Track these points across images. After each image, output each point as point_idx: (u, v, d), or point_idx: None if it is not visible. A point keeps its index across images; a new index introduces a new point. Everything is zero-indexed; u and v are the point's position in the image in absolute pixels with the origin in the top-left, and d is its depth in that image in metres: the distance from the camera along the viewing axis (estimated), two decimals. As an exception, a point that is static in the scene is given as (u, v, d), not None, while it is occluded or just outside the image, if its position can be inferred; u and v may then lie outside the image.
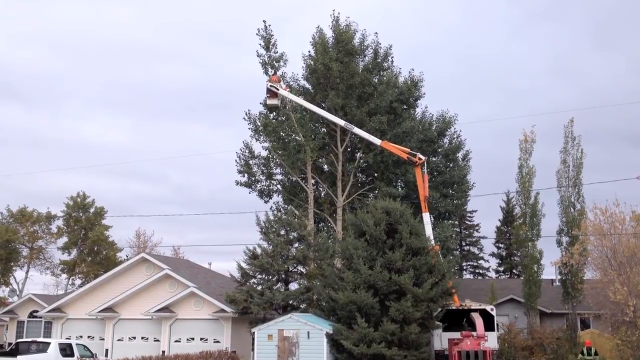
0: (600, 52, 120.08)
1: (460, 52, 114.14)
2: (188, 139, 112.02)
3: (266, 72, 38.66)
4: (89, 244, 57.79)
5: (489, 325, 28.59)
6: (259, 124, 40.13)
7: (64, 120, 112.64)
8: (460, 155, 42.98)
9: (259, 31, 38.78)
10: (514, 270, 59.58)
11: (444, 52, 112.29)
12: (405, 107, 41.98)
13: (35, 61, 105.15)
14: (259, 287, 31.21)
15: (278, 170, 42.73)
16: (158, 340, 33.73)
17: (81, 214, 59.21)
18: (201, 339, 33.06)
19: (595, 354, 28.13)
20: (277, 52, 38.96)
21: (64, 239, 58.64)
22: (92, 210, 59.77)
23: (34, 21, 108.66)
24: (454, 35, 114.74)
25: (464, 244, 64.70)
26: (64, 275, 59.96)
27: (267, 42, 38.80)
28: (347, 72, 39.32)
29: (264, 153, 41.99)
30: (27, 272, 58.11)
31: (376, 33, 41.56)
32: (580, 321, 37.75)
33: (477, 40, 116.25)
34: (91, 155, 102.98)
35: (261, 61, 38.98)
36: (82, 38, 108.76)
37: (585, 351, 28.03)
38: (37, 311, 40.03)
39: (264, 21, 38.70)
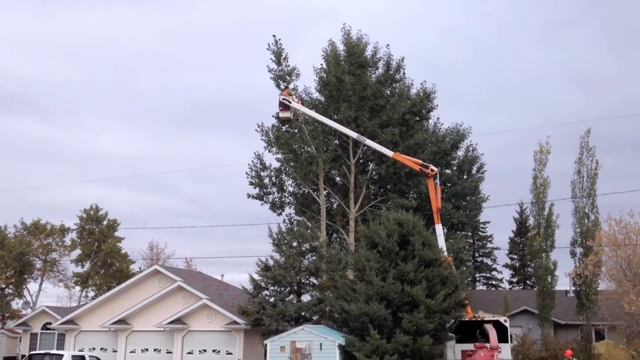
0: (620, 60, 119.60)
1: (478, 60, 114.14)
2: (202, 151, 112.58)
3: (278, 86, 38.83)
4: (102, 256, 57.98)
5: (503, 336, 28.41)
6: (272, 136, 40.28)
7: (79, 131, 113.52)
8: (474, 167, 42.85)
9: (269, 46, 39.01)
10: (528, 282, 59.23)
11: (461, 61, 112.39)
12: (417, 119, 41.97)
13: (51, 72, 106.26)
14: (272, 299, 31.23)
15: (290, 182, 42.78)
16: (170, 352, 33.75)
17: (94, 227, 59.51)
18: (213, 350, 33.05)
19: None
20: (288, 66, 39.14)
21: (77, 252, 58.93)
22: (105, 222, 60.04)
23: (51, 32, 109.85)
24: (472, 43, 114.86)
25: (477, 255, 64.43)
26: (77, 288, 60.18)
27: (278, 57, 38.99)
28: (360, 85, 39.40)
29: (276, 164, 42.11)
30: (40, 285, 58.51)
31: (388, 45, 41.72)
32: (595, 332, 37.41)
33: (496, 49, 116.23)
34: (105, 167, 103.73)
35: (273, 75, 39.19)
36: (98, 49, 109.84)
37: None
38: (50, 323, 40.17)
39: (274, 36, 38.94)
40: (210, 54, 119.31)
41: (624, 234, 30.75)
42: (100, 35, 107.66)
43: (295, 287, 31.76)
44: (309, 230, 33.79)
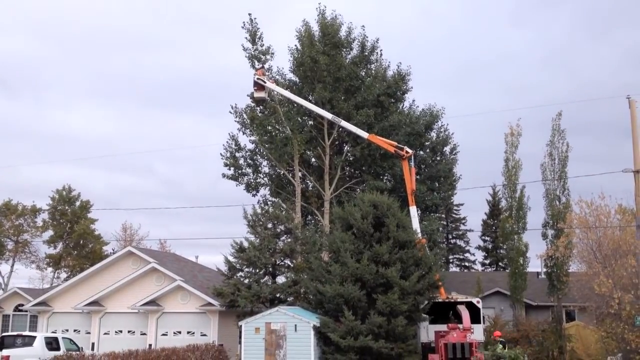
0: (594, 43, 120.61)
1: (453, 43, 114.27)
2: (175, 131, 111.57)
3: (253, 66, 38.58)
4: (74, 237, 57.48)
5: (475, 317, 28.71)
6: (246, 117, 40.07)
7: (48, 110, 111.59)
8: (447, 148, 43.16)
9: (244, 24, 38.68)
10: (500, 263, 59.90)
11: (437, 43, 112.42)
12: (392, 100, 42.05)
13: (18, 48, 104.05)
14: (246, 281, 31.22)
15: (265, 163, 42.71)
16: (145, 334, 33.64)
17: (67, 207, 58.91)
18: (188, 332, 33.01)
19: (503, 346, 27.14)
20: (263, 46, 38.88)
21: (49, 233, 58.34)
22: (77, 203, 59.47)
23: (17, 6, 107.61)
24: (447, 25, 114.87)
25: (450, 237, 65.06)
26: (50, 269, 59.67)
27: (253, 36, 38.69)
28: (334, 65, 39.28)
29: (251, 146, 41.97)
30: (12, 266, 57.77)
31: (363, 26, 41.64)
32: (565, 313, 38.00)
33: (471, 31, 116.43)
34: (76, 147, 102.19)
35: (248, 55, 38.90)
36: (66, 25, 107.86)
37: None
38: (22, 305, 39.81)
39: (250, 14, 38.61)
40: (184, 32, 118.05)
41: (595, 216, 30.97)
42: (69, 10, 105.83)
43: (270, 269, 31.78)
44: (284, 212, 33.75)
